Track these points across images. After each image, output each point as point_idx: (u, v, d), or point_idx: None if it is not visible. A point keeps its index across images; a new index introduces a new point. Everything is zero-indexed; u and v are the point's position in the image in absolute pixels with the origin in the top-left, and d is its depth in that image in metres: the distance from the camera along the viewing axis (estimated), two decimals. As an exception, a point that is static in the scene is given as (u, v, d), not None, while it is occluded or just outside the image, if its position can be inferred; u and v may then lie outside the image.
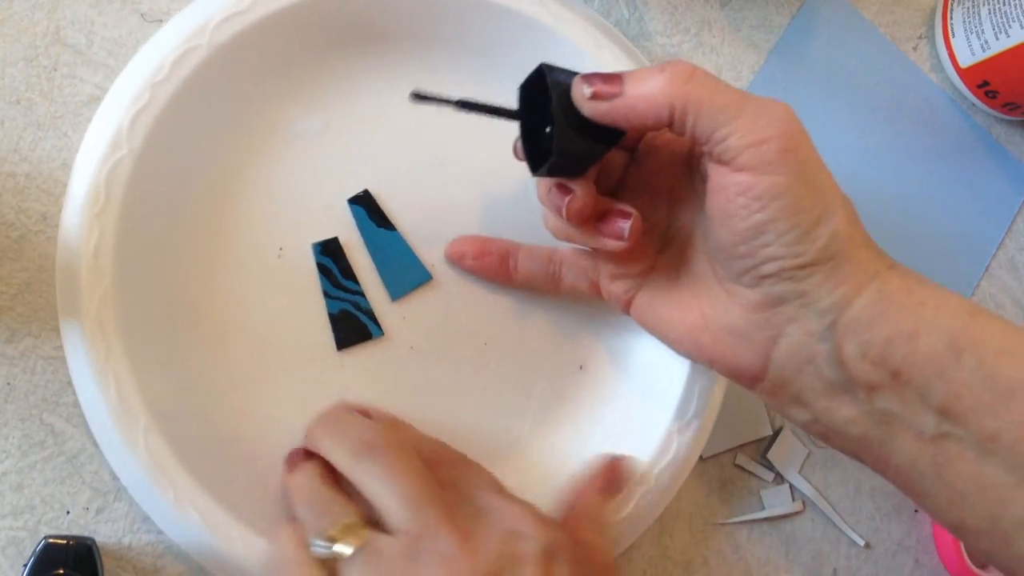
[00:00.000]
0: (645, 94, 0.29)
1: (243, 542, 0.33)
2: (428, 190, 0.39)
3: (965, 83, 0.47)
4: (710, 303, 0.32)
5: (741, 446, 0.43)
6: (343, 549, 0.29)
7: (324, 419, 0.33)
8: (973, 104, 0.48)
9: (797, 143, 0.29)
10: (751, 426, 0.43)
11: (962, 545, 0.44)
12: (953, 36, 0.47)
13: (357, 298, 0.37)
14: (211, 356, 0.36)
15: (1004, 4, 0.43)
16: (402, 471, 0.30)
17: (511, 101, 0.33)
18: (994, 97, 0.47)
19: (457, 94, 0.32)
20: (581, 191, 0.32)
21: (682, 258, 0.34)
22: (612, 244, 0.33)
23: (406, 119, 0.39)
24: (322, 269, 0.37)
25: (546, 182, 0.33)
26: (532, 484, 0.36)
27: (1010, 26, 0.43)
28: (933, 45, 0.49)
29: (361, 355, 0.38)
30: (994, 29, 0.44)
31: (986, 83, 0.46)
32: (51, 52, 0.36)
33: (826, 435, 0.32)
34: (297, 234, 0.37)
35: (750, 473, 0.43)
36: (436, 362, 0.38)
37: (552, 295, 0.39)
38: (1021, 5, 0.42)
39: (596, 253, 0.36)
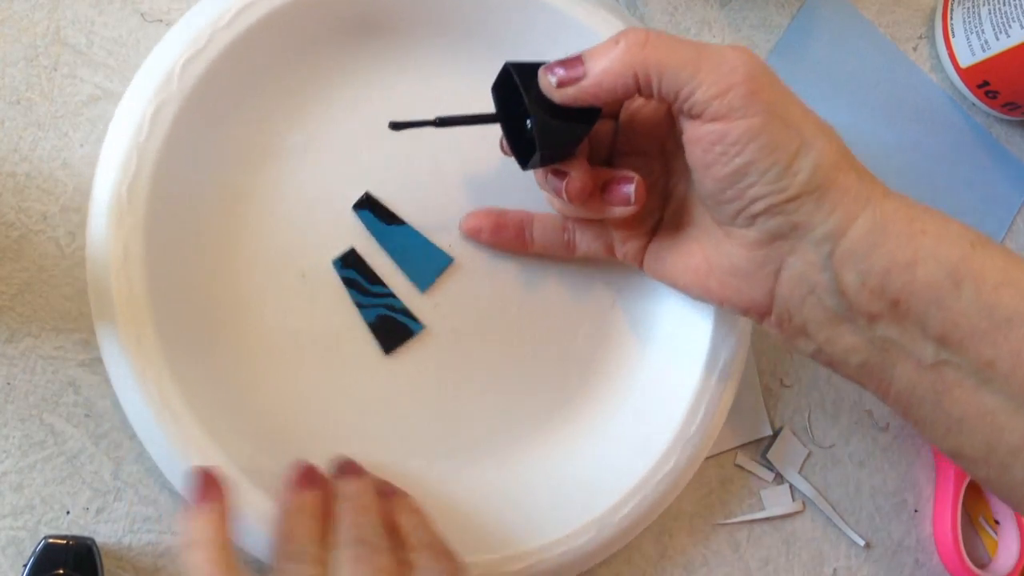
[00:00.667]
0: (607, 68, 0.30)
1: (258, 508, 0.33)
2: (426, 178, 0.39)
3: (965, 83, 0.47)
4: (712, 247, 0.33)
5: (741, 446, 0.43)
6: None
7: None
8: (973, 104, 0.48)
9: (761, 84, 0.29)
10: (751, 426, 0.43)
11: (962, 546, 0.44)
12: (953, 36, 0.47)
13: (389, 300, 0.38)
14: (256, 380, 0.36)
15: (1004, 4, 0.43)
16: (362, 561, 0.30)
17: (489, 103, 0.33)
18: (994, 97, 0.47)
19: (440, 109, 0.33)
20: (576, 172, 0.33)
21: (683, 208, 0.35)
22: (620, 211, 0.34)
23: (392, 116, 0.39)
24: (348, 282, 0.37)
25: (541, 171, 0.34)
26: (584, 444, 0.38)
27: (1010, 26, 0.43)
28: (933, 45, 0.49)
29: (408, 353, 0.38)
30: (994, 29, 0.44)
31: (986, 83, 0.46)
32: (51, 52, 0.36)
33: (830, 363, 0.33)
34: (316, 253, 0.37)
35: (750, 473, 0.43)
36: (481, 340, 0.39)
37: (569, 260, 0.39)
38: (1021, 5, 0.42)
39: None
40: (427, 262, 0.38)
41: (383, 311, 0.37)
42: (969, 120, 0.49)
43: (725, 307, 0.34)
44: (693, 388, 0.38)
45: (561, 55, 0.31)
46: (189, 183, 0.35)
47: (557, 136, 0.32)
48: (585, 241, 0.38)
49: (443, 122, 0.33)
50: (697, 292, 0.34)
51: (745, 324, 0.39)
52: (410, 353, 0.38)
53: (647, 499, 0.37)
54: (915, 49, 0.48)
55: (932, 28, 0.49)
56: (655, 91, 0.30)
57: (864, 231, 0.30)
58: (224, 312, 0.36)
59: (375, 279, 0.38)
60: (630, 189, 0.33)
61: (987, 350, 0.29)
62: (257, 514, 0.33)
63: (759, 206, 0.30)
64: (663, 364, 0.40)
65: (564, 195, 0.33)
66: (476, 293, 0.39)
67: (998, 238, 0.48)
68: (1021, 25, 0.43)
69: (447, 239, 0.39)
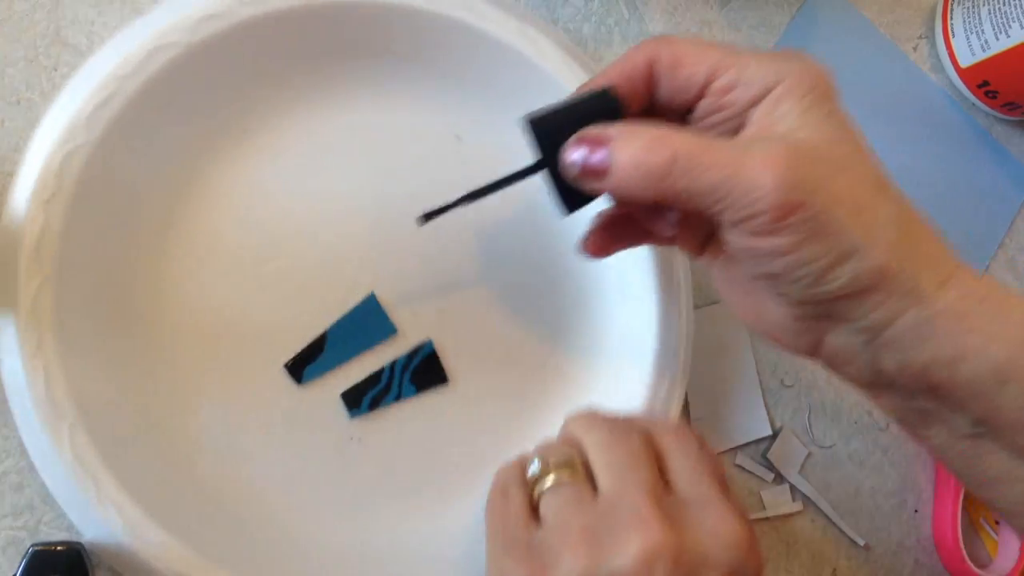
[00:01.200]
0: (628, 180, 0.29)
1: (163, 548, 0.33)
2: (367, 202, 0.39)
3: (965, 83, 0.47)
4: (759, 297, 0.32)
5: (741, 446, 0.43)
6: (552, 477, 0.29)
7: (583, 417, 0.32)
8: (973, 104, 0.48)
9: (794, 205, 0.27)
10: (751, 426, 0.43)
11: (962, 546, 0.44)
12: (953, 36, 0.47)
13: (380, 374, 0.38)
14: (151, 358, 0.36)
15: (1004, 4, 0.43)
16: (622, 448, 0.29)
17: (487, 121, 0.34)
18: (994, 97, 0.47)
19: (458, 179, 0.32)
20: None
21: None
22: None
23: (368, 133, 0.39)
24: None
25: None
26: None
27: (1010, 26, 0.43)
28: (933, 45, 0.49)
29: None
30: (994, 29, 0.44)
31: (986, 83, 0.46)
32: (51, 52, 0.36)
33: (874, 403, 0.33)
34: (251, 263, 0.37)
35: (750, 473, 0.43)
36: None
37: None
38: (1021, 5, 0.42)
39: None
40: (375, 330, 0.38)
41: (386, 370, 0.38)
42: (969, 120, 0.49)
43: (774, 344, 0.33)
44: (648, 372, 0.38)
45: (515, 87, 0.31)
46: (127, 178, 0.35)
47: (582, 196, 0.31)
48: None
49: (473, 196, 0.32)
50: (748, 324, 0.34)
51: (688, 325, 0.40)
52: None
53: None
54: (915, 49, 0.48)
55: (932, 28, 0.49)
56: (682, 208, 0.29)
57: (908, 327, 0.29)
58: (138, 290, 0.36)
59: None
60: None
61: None
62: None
63: (792, 298, 0.30)
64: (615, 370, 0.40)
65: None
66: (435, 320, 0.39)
67: (998, 238, 0.48)
68: (1021, 25, 0.43)
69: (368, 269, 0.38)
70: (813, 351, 0.32)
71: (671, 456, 0.30)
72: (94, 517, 0.32)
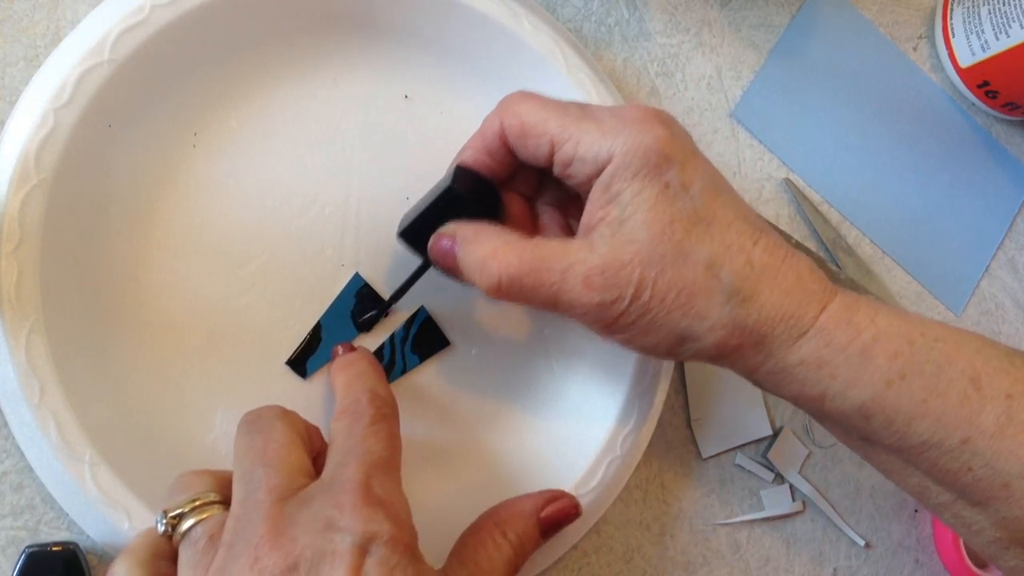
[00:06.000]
0: (477, 285, 0.31)
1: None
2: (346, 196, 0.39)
3: (965, 83, 0.47)
4: None
5: (741, 446, 0.43)
6: (183, 524, 0.28)
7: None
8: (973, 104, 0.48)
9: (615, 316, 0.30)
10: (751, 426, 0.43)
11: (962, 546, 0.44)
12: (953, 36, 0.47)
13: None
14: (150, 374, 0.35)
15: (1004, 4, 0.43)
16: (262, 447, 0.28)
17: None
18: (994, 97, 0.47)
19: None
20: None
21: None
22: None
23: (321, 126, 0.38)
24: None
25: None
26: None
27: (1010, 26, 0.43)
28: (933, 45, 0.49)
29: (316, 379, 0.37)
30: (994, 29, 0.44)
31: (986, 83, 0.46)
32: (51, 52, 0.36)
33: None
34: (235, 251, 0.37)
35: (750, 473, 0.43)
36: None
37: None
38: (1021, 5, 0.42)
39: None
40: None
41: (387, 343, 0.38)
42: (969, 120, 0.49)
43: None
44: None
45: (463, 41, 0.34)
46: (105, 160, 0.35)
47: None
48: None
49: (394, 299, 0.37)
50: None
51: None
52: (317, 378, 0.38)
53: (614, 463, 0.38)
54: (915, 49, 0.48)
55: (932, 28, 0.49)
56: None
57: (768, 373, 0.31)
58: (125, 318, 0.35)
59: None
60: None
61: (903, 456, 0.31)
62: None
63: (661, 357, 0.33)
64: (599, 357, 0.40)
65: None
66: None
67: (998, 238, 0.48)
68: (1021, 25, 0.43)
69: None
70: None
71: (331, 443, 0.29)
72: (106, 522, 0.32)
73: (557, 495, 0.34)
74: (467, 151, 0.33)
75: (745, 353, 0.30)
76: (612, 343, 0.32)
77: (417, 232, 0.34)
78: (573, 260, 0.30)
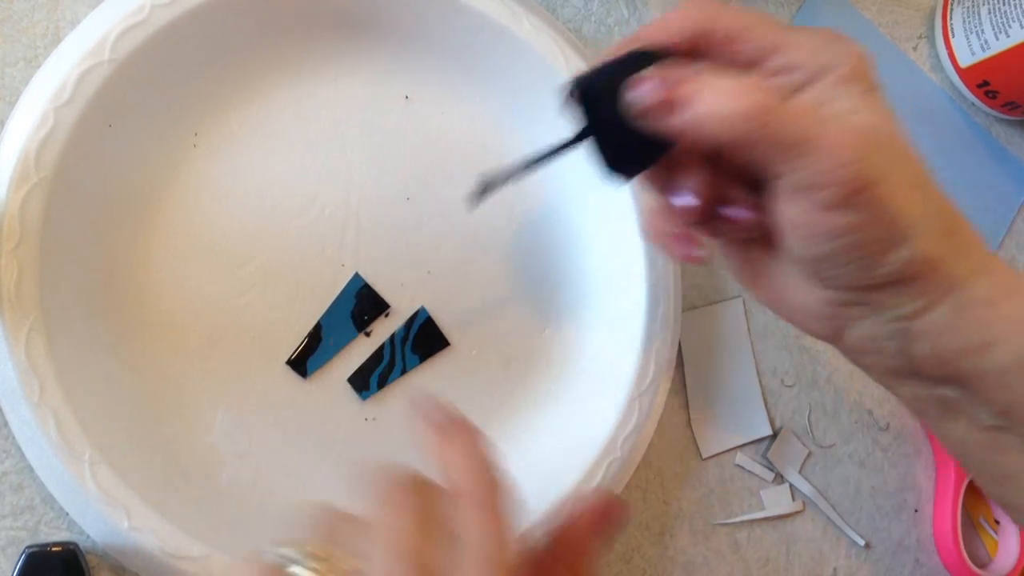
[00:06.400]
0: (708, 122, 0.27)
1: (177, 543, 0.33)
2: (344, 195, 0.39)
3: (965, 83, 0.47)
4: (787, 279, 0.32)
5: (741, 446, 0.43)
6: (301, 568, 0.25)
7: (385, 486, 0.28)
8: (973, 104, 0.48)
9: (868, 182, 0.26)
10: (751, 426, 0.43)
11: (962, 546, 0.44)
12: (953, 36, 0.47)
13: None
14: (148, 374, 0.35)
15: (1004, 4, 0.43)
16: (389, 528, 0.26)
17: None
18: (994, 97, 0.47)
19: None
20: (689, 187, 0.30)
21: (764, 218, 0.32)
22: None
23: (322, 126, 0.38)
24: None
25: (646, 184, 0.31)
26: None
27: (1010, 26, 0.43)
28: (933, 45, 0.49)
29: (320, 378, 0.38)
30: (994, 29, 0.44)
31: (986, 83, 0.46)
32: (51, 52, 0.36)
33: (891, 392, 0.32)
34: (236, 251, 0.37)
35: (750, 473, 0.43)
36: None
37: None
38: (1021, 5, 0.42)
39: None
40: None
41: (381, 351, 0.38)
42: (969, 120, 0.49)
43: (793, 325, 0.33)
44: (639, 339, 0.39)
45: (463, 42, 0.31)
46: (105, 160, 0.35)
47: (637, 151, 0.29)
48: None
49: (529, 165, 0.30)
50: (769, 305, 0.33)
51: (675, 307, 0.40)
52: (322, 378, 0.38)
53: (614, 464, 0.38)
54: (915, 49, 0.48)
55: (932, 28, 0.49)
56: (745, 154, 0.27)
57: (942, 315, 0.28)
58: (125, 319, 0.35)
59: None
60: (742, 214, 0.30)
61: None
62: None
63: (835, 283, 0.29)
64: (605, 338, 0.40)
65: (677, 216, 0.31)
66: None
67: (998, 238, 0.48)
68: (1021, 25, 0.43)
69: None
70: (836, 337, 0.31)
71: (466, 526, 0.26)
72: (105, 522, 0.33)
73: (602, 502, 0.31)
74: (645, 42, 0.29)
75: (935, 280, 0.28)
76: (818, 243, 0.28)
77: (595, 84, 0.28)
78: (828, 116, 0.27)
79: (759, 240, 0.32)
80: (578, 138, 0.29)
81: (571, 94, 0.28)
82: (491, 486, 0.27)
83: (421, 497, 0.27)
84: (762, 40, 0.29)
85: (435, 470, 0.28)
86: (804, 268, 0.30)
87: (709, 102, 0.26)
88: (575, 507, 0.31)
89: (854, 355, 0.32)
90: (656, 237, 0.33)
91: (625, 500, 0.32)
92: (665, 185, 0.31)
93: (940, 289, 0.28)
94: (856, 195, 0.27)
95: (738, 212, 0.31)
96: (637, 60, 0.28)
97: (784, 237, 0.29)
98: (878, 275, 0.28)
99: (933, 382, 0.30)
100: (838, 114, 0.28)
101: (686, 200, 0.30)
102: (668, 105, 0.27)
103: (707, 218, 0.31)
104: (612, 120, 0.28)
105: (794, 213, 0.28)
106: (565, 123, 0.29)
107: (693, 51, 0.29)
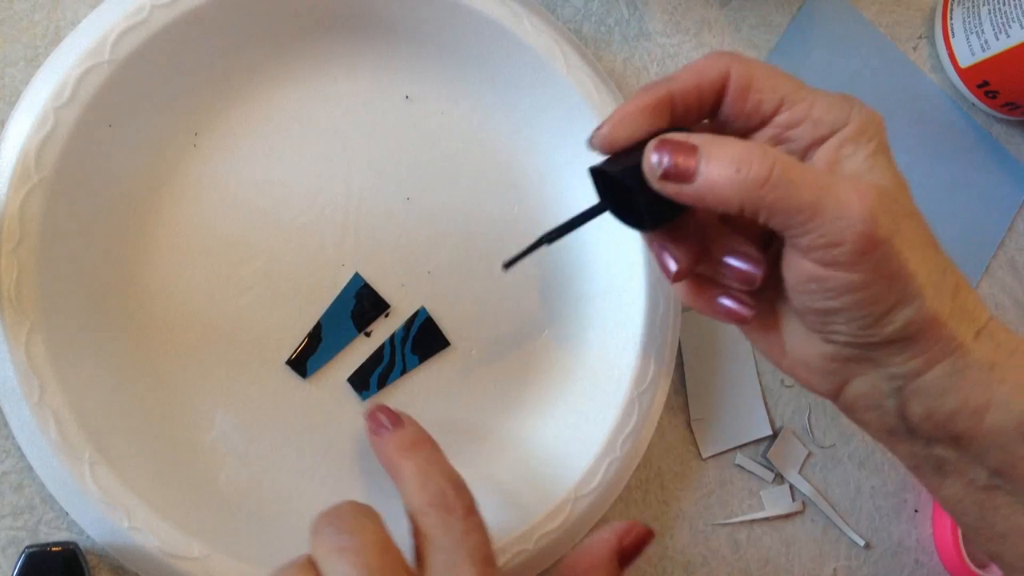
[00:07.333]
0: (715, 187, 0.28)
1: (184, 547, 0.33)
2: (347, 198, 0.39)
3: (965, 83, 0.47)
4: (791, 333, 0.32)
5: (741, 446, 0.43)
6: None
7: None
8: (973, 104, 0.48)
9: (876, 239, 0.27)
10: (751, 426, 0.43)
11: (962, 546, 0.44)
12: (953, 36, 0.47)
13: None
14: (150, 375, 0.35)
15: (1004, 4, 0.43)
16: (359, 547, 0.26)
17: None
18: (994, 97, 0.47)
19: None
20: (681, 253, 0.32)
21: (771, 273, 0.33)
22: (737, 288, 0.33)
23: (321, 126, 0.38)
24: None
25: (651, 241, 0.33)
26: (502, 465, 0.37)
27: (1010, 26, 0.43)
28: (933, 45, 0.49)
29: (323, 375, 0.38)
30: (994, 29, 0.44)
31: (986, 83, 0.46)
32: (51, 52, 0.36)
33: (888, 449, 0.33)
34: (237, 253, 0.37)
35: (750, 473, 0.43)
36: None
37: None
38: (1021, 5, 0.42)
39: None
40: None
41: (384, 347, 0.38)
42: (969, 120, 0.49)
43: (794, 379, 0.34)
44: (638, 341, 0.39)
45: (463, 42, 0.32)
46: (105, 160, 0.34)
47: (664, 208, 0.30)
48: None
49: (551, 237, 0.31)
50: (771, 358, 0.34)
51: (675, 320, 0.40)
52: (325, 376, 0.38)
53: (614, 464, 0.38)
54: (915, 49, 0.48)
55: (932, 28, 0.49)
56: (759, 221, 0.28)
57: (941, 375, 0.29)
58: (126, 317, 0.35)
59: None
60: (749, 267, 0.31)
61: None
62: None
63: (840, 338, 0.30)
64: (603, 332, 0.40)
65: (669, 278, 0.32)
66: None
67: (998, 238, 0.48)
68: (1021, 25, 0.43)
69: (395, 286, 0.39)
70: (835, 392, 0.32)
71: (429, 539, 0.27)
72: (106, 521, 0.33)
73: (627, 527, 0.32)
74: (675, 82, 0.30)
75: (937, 341, 0.29)
76: (827, 298, 0.28)
77: (614, 165, 0.30)
78: (837, 176, 0.28)
79: (766, 294, 0.33)
80: (599, 208, 0.31)
81: (596, 176, 0.31)
82: (455, 490, 0.28)
83: (371, 519, 0.27)
84: (779, 91, 0.30)
85: (396, 485, 0.29)
86: (810, 322, 0.30)
87: (716, 169, 0.28)
88: (598, 531, 0.32)
89: (852, 412, 0.32)
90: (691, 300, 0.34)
91: (651, 527, 0.32)
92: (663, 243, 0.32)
93: (942, 349, 0.29)
94: (867, 253, 0.27)
95: (742, 263, 0.32)
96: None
97: (792, 291, 0.30)
98: (883, 332, 0.29)
99: (930, 441, 0.31)
100: (849, 175, 0.29)
101: (671, 265, 0.32)
102: (679, 176, 0.28)
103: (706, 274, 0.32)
104: (632, 185, 0.29)
105: (805, 268, 0.28)
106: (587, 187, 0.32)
107: (718, 97, 0.30)
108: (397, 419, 0.32)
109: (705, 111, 0.31)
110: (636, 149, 0.30)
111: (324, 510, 0.27)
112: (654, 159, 0.28)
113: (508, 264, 0.32)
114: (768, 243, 0.33)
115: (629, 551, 0.31)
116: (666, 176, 0.28)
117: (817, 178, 0.27)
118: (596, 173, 0.31)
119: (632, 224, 0.32)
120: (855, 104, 0.30)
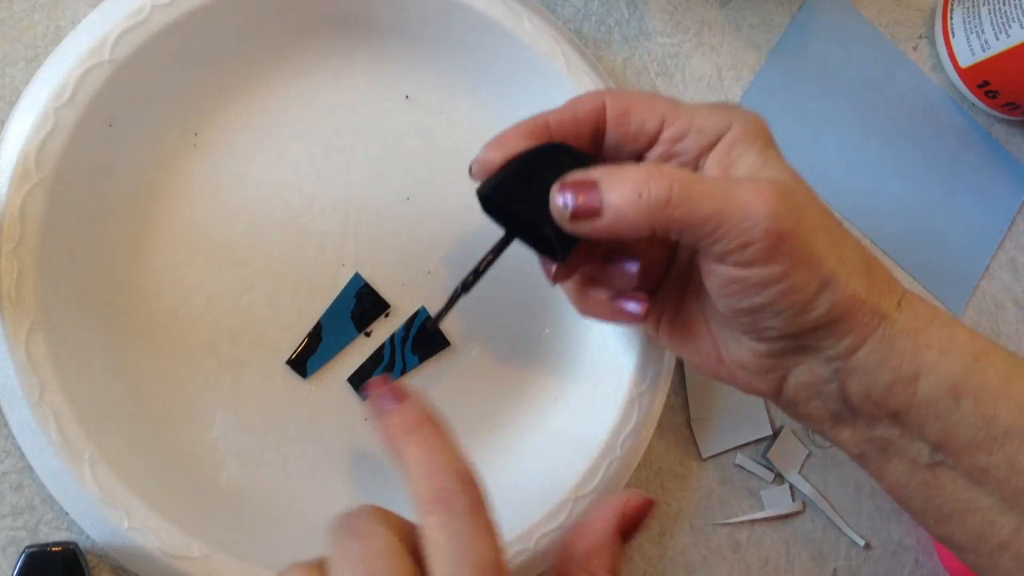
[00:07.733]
0: (622, 216, 0.28)
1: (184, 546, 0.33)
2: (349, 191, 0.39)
3: (965, 83, 0.47)
4: (723, 340, 0.33)
5: (741, 446, 0.43)
6: None
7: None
8: (973, 104, 0.48)
9: (784, 233, 0.28)
10: (751, 426, 0.43)
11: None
12: (953, 36, 0.47)
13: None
14: (151, 374, 0.36)
15: (1004, 4, 0.43)
16: (363, 554, 0.25)
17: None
18: (994, 97, 0.47)
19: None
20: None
21: (690, 276, 0.34)
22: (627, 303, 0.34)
23: (322, 126, 0.38)
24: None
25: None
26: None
27: (1010, 26, 0.43)
28: (933, 45, 0.49)
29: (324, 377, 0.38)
30: (994, 29, 0.44)
31: (986, 83, 0.46)
32: (51, 52, 0.36)
33: (832, 442, 0.34)
34: (237, 253, 0.37)
35: (750, 473, 0.43)
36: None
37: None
38: (1021, 5, 0.42)
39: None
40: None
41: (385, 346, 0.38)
42: (969, 120, 0.49)
43: (735, 387, 0.34)
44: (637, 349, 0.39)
45: (463, 41, 0.32)
46: (105, 160, 0.34)
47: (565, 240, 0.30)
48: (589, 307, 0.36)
49: (467, 285, 0.32)
50: (707, 372, 0.34)
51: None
52: (326, 377, 0.38)
53: (614, 464, 0.38)
54: (915, 49, 0.48)
55: (932, 28, 0.49)
56: (672, 239, 0.29)
57: (872, 350, 0.30)
58: (128, 307, 0.35)
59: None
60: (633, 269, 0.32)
61: (982, 458, 0.30)
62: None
63: (771, 333, 0.30)
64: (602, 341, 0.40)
65: (549, 278, 0.33)
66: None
67: (998, 238, 0.48)
68: (1021, 25, 0.43)
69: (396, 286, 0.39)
70: (776, 389, 0.33)
71: (432, 543, 0.25)
72: (106, 522, 0.32)
73: (624, 500, 0.30)
74: (552, 113, 0.32)
75: (863, 316, 0.30)
76: (750, 296, 0.29)
77: (510, 191, 0.30)
78: (735, 180, 0.29)
79: (693, 308, 0.34)
80: (505, 241, 0.32)
81: (486, 203, 0.31)
82: (462, 483, 0.26)
83: (384, 524, 0.26)
84: (656, 110, 0.31)
85: (398, 474, 0.27)
86: (741, 325, 0.31)
87: (618, 202, 0.28)
88: (595, 508, 0.30)
89: (796, 406, 0.33)
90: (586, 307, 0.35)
91: (650, 496, 0.30)
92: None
93: (870, 323, 0.30)
94: (777, 246, 0.28)
95: (621, 261, 0.33)
96: (539, 158, 0.30)
97: (717, 297, 0.30)
98: (811, 318, 0.29)
99: (871, 422, 0.31)
100: (744, 174, 0.30)
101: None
102: (585, 214, 0.29)
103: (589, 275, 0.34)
104: (534, 218, 0.30)
105: (724, 273, 0.29)
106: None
107: (596, 131, 0.31)
108: (401, 393, 0.29)
109: (585, 140, 0.32)
110: (517, 172, 0.30)
111: (342, 512, 0.26)
112: (559, 202, 0.29)
113: (435, 321, 0.33)
114: (674, 245, 0.34)
115: (630, 526, 0.29)
116: (575, 216, 0.29)
117: (715, 187, 0.28)
118: (492, 205, 0.32)
119: (541, 250, 0.32)
120: (735, 109, 0.31)
